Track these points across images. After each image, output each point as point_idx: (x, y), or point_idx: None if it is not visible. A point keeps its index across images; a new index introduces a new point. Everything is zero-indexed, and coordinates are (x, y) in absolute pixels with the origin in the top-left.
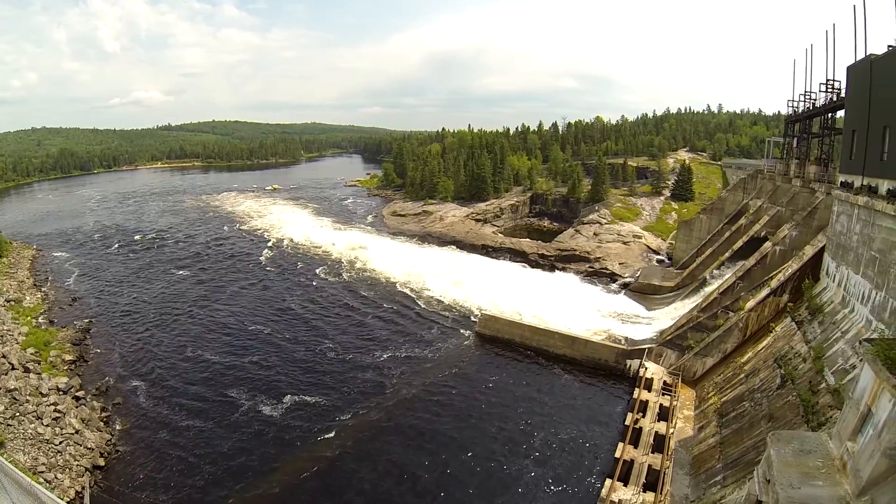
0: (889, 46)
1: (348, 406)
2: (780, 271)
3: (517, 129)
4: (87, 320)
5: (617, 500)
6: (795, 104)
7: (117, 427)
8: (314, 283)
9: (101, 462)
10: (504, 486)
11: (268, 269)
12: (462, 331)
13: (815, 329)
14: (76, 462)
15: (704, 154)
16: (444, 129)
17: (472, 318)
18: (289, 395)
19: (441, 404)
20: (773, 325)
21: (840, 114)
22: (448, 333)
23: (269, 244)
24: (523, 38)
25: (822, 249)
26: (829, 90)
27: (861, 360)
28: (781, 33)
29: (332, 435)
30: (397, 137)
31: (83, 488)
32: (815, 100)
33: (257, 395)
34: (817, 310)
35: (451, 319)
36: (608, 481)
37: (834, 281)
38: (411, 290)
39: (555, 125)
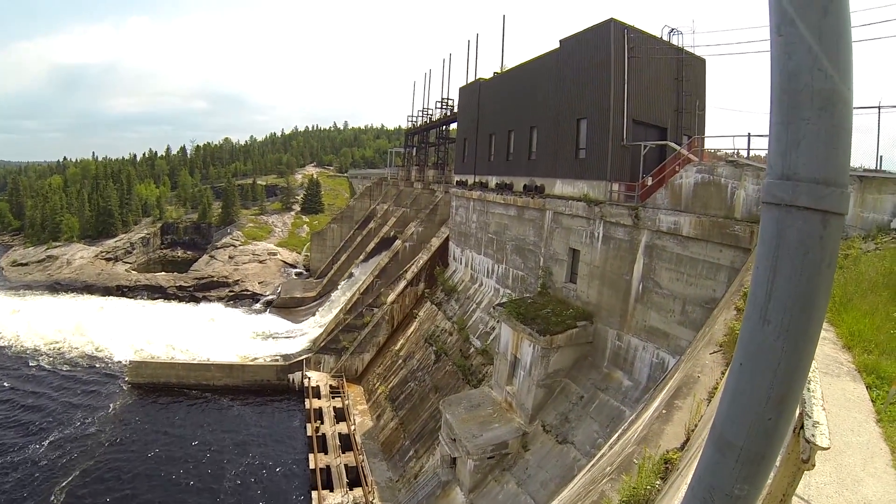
0: (494, 73)
1: None
2: (412, 264)
3: (144, 154)
4: None
5: None
6: (414, 119)
7: None
8: None
9: None
10: None
11: None
12: (113, 385)
13: (454, 306)
14: None
15: (331, 168)
16: (65, 158)
17: (122, 369)
18: None
19: (115, 477)
20: (416, 312)
21: (454, 126)
22: (99, 392)
23: None
24: (154, 56)
25: (447, 239)
26: (444, 106)
27: (499, 322)
28: (403, 60)
29: None
30: (12, 171)
31: None
32: (432, 114)
33: None
34: (451, 290)
35: (98, 375)
36: (314, 493)
37: (461, 263)
38: (46, 352)
39: (183, 149)
